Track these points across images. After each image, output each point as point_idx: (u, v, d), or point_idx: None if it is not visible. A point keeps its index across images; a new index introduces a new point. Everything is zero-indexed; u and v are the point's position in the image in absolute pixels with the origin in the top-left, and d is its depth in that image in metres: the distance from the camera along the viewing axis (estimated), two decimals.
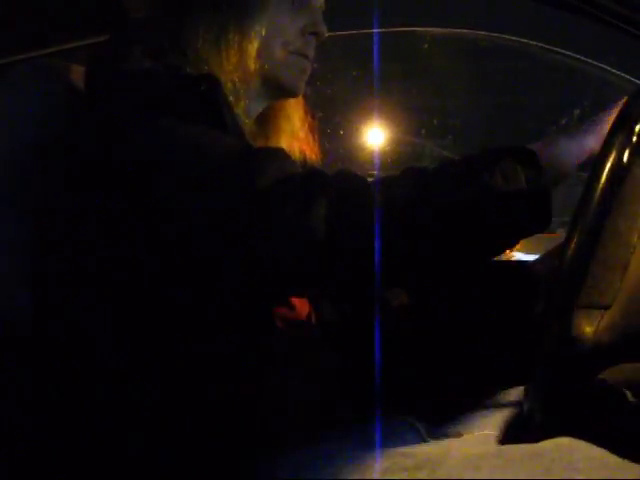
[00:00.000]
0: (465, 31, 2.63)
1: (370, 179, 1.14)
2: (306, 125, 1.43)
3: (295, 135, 1.42)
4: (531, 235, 1.13)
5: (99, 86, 1.22)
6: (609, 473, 0.99)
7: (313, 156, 1.44)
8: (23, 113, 1.32)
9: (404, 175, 1.13)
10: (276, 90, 1.34)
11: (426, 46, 2.92)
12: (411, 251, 1.09)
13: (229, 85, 1.25)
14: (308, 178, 1.11)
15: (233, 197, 1.09)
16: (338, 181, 1.11)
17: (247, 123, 1.30)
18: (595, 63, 2.33)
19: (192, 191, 1.10)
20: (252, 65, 1.27)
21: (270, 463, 1.14)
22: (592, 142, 1.18)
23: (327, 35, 1.35)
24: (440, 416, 1.23)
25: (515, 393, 1.21)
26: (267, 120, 1.40)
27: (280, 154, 1.15)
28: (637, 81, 2.38)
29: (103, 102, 1.20)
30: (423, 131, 3.42)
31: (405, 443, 1.14)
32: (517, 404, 1.20)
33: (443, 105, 3.38)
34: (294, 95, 1.36)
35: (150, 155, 1.12)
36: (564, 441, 1.03)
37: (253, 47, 1.27)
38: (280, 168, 1.10)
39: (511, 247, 1.18)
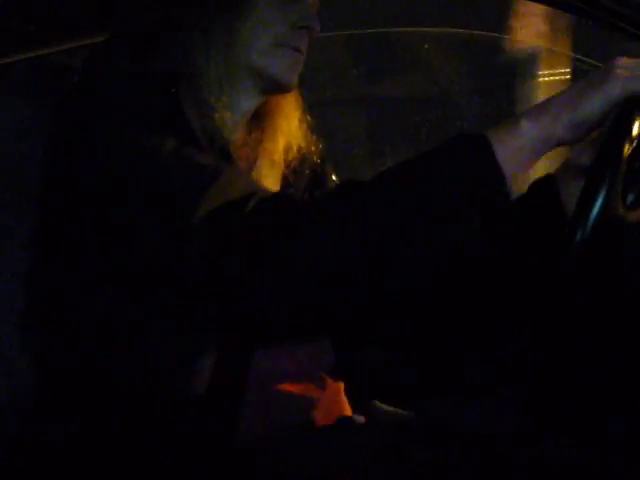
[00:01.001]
0: (463, 31, 2.63)
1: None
2: (304, 123, 1.41)
3: (292, 133, 1.39)
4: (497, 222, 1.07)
5: (76, 89, 1.23)
6: None
7: (312, 153, 1.42)
8: (20, 115, 1.33)
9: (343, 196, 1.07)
10: (266, 84, 1.31)
11: (424, 45, 2.92)
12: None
13: (213, 78, 1.23)
14: (255, 219, 1.05)
15: (164, 229, 1.08)
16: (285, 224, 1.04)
17: (233, 120, 1.27)
18: (595, 63, 2.33)
19: (132, 209, 1.11)
20: (240, 57, 1.26)
21: (256, 460, 1.15)
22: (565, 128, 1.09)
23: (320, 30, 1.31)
24: (438, 416, 1.23)
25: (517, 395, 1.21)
26: (263, 116, 1.38)
27: (236, 185, 1.10)
28: None
29: (77, 104, 1.20)
30: (424, 130, 3.42)
31: (406, 442, 1.14)
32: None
33: (442, 104, 3.38)
34: (286, 89, 1.33)
35: (101, 167, 1.14)
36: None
37: (241, 38, 1.25)
38: (224, 208, 1.06)
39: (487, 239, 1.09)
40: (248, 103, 1.32)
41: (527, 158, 1.08)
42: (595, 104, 1.07)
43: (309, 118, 1.42)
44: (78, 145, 1.17)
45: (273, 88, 1.32)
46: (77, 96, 1.21)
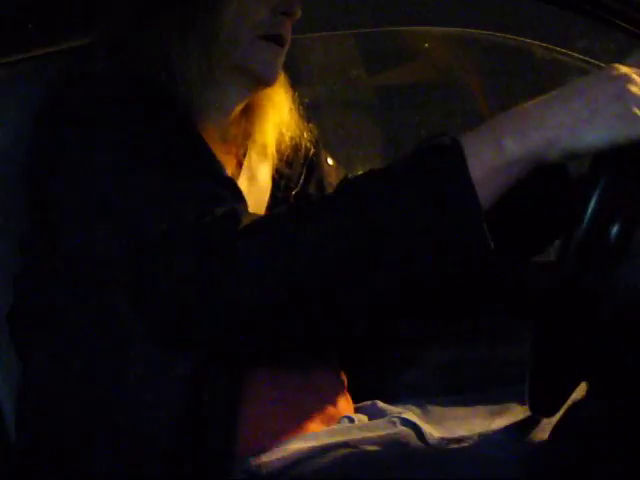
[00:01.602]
0: (464, 30, 2.63)
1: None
2: (295, 111, 1.37)
3: (283, 123, 1.36)
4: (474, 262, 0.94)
5: (53, 97, 1.22)
6: None
7: (305, 141, 1.39)
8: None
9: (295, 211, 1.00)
10: (249, 79, 1.27)
11: (424, 45, 2.92)
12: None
13: (194, 77, 1.19)
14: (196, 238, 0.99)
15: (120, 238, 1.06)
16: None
17: (220, 116, 1.26)
18: (594, 61, 2.33)
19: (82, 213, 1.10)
20: (219, 52, 1.21)
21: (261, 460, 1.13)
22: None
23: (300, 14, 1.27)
24: (441, 417, 1.22)
25: (516, 394, 1.20)
26: (253, 109, 1.34)
27: (183, 200, 1.04)
28: None
29: (51, 113, 1.20)
30: (423, 131, 3.42)
31: (407, 443, 1.14)
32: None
33: (441, 103, 3.38)
34: (268, 84, 1.28)
35: (62, 181, 1.13)
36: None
37: (219, 31, 1.21)
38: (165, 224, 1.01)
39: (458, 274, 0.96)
40: (234, 99, 1.29)
41: (504, 183, 0.94)
42: (603, 137, 0.92)
43: (300, 106, 1.38)
44: (48, 156, 1.17)
45: (255, 83, 1.28)
46: (53, 104, 1.20)
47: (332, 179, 1.46)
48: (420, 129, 3.29)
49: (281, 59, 1.27)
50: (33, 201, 1.23)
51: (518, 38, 2.42)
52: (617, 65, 0.95)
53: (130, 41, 1.21)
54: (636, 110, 0.91)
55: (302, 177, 1.40)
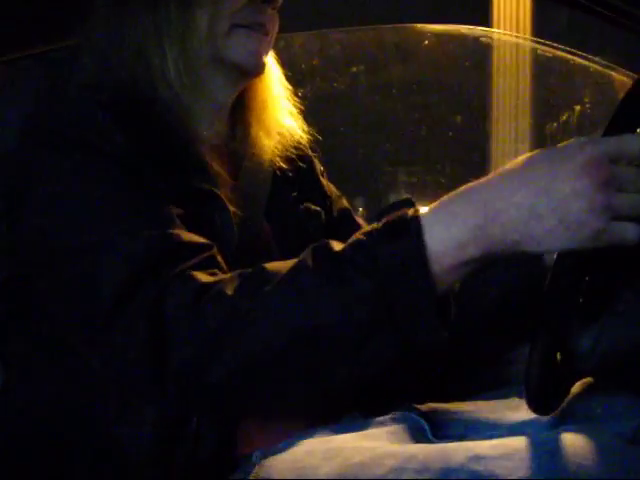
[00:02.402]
0: (459, 27, 2.63)
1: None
2: (294, 112, 1.33)
3: (279, 126, 1.31)
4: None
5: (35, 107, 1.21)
6: None
7: (304, 143, 1.35)
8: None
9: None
10: (231, 71, 1.22)
11: (419, 42, 2.91)
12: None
13: (173, 75, 1.16)
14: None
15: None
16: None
17: (208, 114, 1.22)
18: (592, 58, 2.32)
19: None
20: (196, 46, 1.17)
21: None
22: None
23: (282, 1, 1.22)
24: (446, 417, 1.21)
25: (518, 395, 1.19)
26: (250, 109, 1.30)
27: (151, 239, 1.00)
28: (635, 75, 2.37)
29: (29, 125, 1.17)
30: (423, 127, 3.42)
31: (411, 442, 1.12)
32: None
33: (440, 101, 3.38)
34: (252, 74, 1.24)
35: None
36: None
37: (195, 25, 1.17)
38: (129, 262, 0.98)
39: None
40: (221, 95, 1.25)
41: (459, 277, 0.93)
42: (569, 246, 0.90)
43: (298, 105, 1.34)
44: (24, 178, 1.13)
45: (239, 75, 1.24)
46: (36, 123, 1.16)
47: (327, 189, 1.43)
48: (418, 125, 3.29)
49: (264, 48, 1.22)
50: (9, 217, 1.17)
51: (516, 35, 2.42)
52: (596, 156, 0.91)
53: (110, 46, 1.19)
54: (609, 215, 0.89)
55: (301, 178, 1.38)
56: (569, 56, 2.19)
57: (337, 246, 0.95)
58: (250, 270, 1.00)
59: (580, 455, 0.92)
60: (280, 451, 1.06)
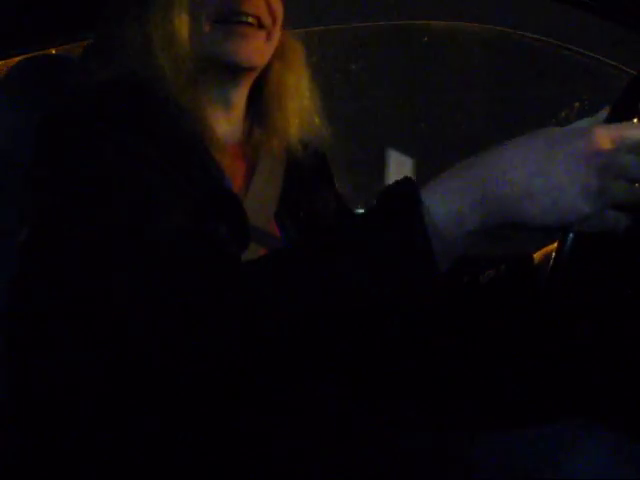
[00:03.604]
0: (457, 23, 2.63)
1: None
2: (311, 105, 1.29)
3: (294, 125, 1.28)
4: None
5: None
6: None
7: (319, 137, 1.32)
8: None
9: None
10: (222, 69, 1.20)
11: (420, 38, 2.91)
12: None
13: (169, 78, 1.15)
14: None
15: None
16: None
17: (215, 114, 1.21)
18: (590, 54, 2.32)
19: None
20: (187, 48, 1.16)
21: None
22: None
23: None
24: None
25: None
26: (263, 114, 1.28)
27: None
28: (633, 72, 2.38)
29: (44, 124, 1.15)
30: (423, 124, 3.42)
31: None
32: None
33: (439, 99, 3.38)
34: (246, 69, 1.21)
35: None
36: None
37: (179, 27, 1.16)
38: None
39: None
40: (222, 93, 1.23)
41: (457, 253, 0.95)
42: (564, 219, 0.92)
43: (315, 103, 1.31)
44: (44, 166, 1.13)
45: (232, 72, 1.21)
46: (53, 120, 1.15)
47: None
48: (418, 123, 3.29)
49: (255, 40, 1.20)
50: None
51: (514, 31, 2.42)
52: (595, 134, 0.92)
53: (115, 47, 1.18)
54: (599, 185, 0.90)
55: (314, 174, 1.36)
56: None
57: (339, 225, 0.97)
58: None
59: None
60: None
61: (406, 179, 0.95)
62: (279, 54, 1.28)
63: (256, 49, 1.21)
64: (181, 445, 1.07)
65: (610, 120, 0.99)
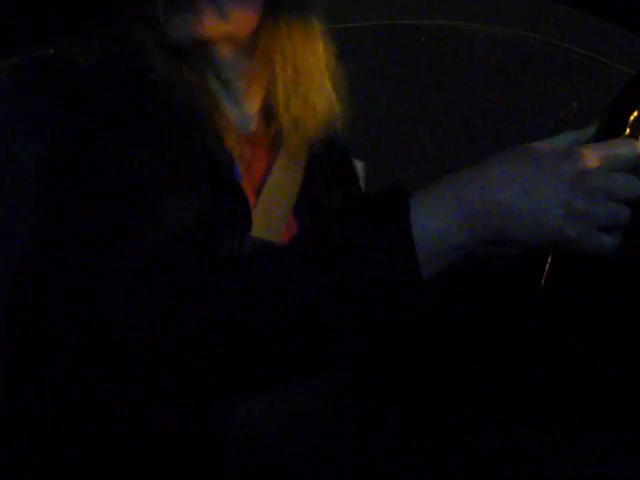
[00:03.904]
0: (457, 22, 2.63)
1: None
2: (329, 85, 1.23)
3: (314, 117, 1.22)
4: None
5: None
6: None
7: (336, 120, 1.25)
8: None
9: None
10: (189, 50, 1.13)
11: (418, 38, 2.91)
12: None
13: (160, 64, 1.11)
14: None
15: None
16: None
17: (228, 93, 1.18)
18: (589, 54, 2.33)
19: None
20: (152, 34, 1.11)
21: None
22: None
23: None
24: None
25: None
26: (278, 86, 1.20)
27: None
28: (631, 71, 2.38)
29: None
30: (421, 125, 3.42)
31: None
32: None
33: (438, 99, 3.38)
34: (189, 51, 1.13)
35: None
36: None
37: (147, 16, 1.12)
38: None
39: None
40: (222, 76, 1.17)
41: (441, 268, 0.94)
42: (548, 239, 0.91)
43: (336, 91, 1.24)
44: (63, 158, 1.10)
45: (200, 50, 1.14)
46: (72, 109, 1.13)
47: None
48: (417, 124, 3.29)
49: (192, 18, 1.12)
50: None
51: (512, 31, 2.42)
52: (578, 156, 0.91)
53: (114, 40, 1.16)
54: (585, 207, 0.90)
55: (336, 170, 1.33)
56: None
57: (324, 232, 0.95)
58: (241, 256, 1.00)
59: None
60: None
61: (398, 189, 0.95)
62: (300, 40, 1.20)
63: (196, 25, 1.12)
64: (174, 445, 1.08)
65: (598, 138, 0.98)
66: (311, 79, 1.22)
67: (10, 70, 1.41)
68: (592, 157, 0.91)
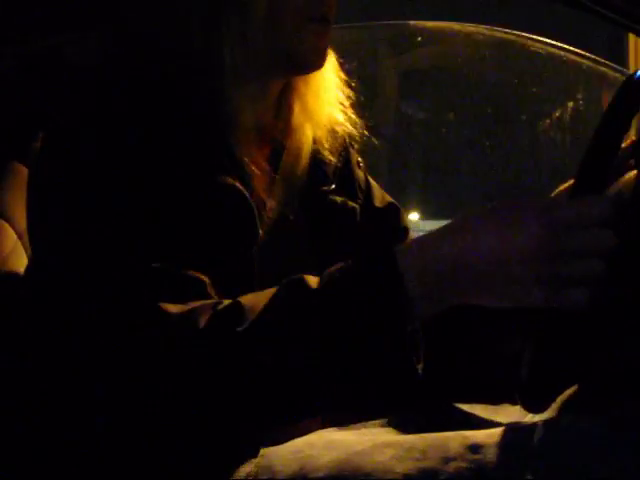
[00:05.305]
0: (453, 24, 2.63)
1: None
2: (340, 99, 1.22)
3: (336, 98, 1.21)
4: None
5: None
6: None
7: (344, 132, 1.24)
8: None
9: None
10: (292, 65, 1.14)
11: (415, 39, 2.92)
12: None
13: (226, 66, 1.08)
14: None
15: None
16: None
17: (255, 107, 1.13)
18: (584, 53, 2.33)
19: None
20: (259, 36, 1.09)
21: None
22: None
23: None
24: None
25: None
26: (292, 98, 1.21)
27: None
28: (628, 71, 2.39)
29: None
30: (417, 129, 3.43)
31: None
32: None
33: (434, 99, 3.39)
34: (313, 69, 1.14)
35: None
36: None
37: (259, 13, 1.09)
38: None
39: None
40: (272, 86, 1.17)
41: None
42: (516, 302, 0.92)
43: (347, 92, 1.24)
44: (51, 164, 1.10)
45: (299, 69, 1.16)
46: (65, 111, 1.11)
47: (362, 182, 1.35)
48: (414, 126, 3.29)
49: (327, 40, 1.14)
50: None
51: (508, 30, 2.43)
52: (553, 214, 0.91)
53: (141, 32, 1.12)
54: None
55: (338, 169, 1.29)
56: None
57: (312, 282, 0.95)
58: (225, 304, 0.98)
59: (570, 442, 0.97)
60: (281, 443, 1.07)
61: (385, 250, 0.94)
62: None
63: (326, 48, 1.16)
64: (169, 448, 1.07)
65: (574, 194, 0.97)
66: (326, 84, 1.22)
67: (10, 70, 1.41)
68: (562, 216, 0.91)
